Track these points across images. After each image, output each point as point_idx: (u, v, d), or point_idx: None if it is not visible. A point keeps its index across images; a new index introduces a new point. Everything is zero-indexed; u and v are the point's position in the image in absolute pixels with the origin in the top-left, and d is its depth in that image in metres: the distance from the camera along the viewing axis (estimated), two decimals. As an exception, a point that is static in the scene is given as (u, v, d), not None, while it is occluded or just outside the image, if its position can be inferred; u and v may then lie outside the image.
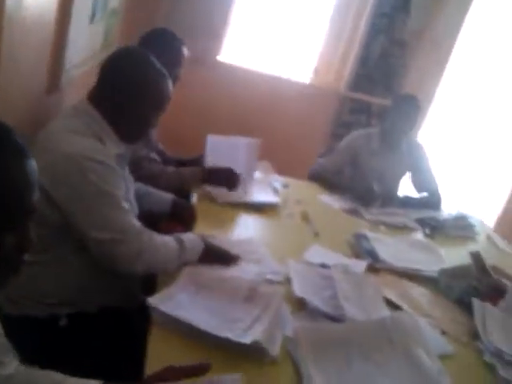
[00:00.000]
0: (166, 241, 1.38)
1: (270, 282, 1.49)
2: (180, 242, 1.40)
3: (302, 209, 2.10)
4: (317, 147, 3.68)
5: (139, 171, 1.69)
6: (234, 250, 1.56)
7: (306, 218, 2.03)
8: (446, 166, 3.61)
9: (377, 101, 3.70)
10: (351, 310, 1.41)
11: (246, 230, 1.86)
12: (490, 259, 1.82)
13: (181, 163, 2.24)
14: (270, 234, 1.88)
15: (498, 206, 4.11)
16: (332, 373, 1.16)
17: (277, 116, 3.70)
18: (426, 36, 3.50)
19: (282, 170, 2.49)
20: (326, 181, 2.52)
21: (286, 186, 2.30)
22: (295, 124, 3.75)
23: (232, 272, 1.48)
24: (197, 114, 3.56)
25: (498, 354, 1.41)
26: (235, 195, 1.96)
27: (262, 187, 2.16)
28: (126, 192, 1.36)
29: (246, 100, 3.61)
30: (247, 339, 1.12)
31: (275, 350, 1.18)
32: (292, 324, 1.29)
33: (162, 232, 1.45)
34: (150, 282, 1.41)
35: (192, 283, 1.34)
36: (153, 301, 1.23)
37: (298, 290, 1.46)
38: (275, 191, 2.20)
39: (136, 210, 1.46)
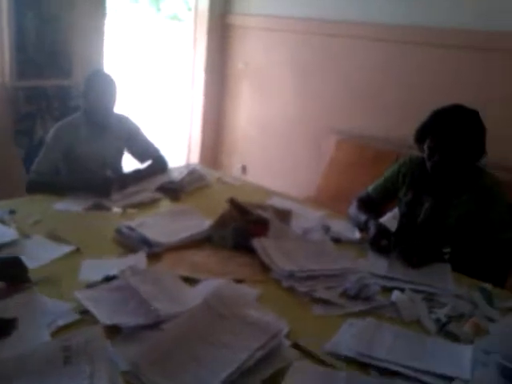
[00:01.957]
0: None
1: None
2: None
3: (44, 227, 1.85)
4: (8, 150, 3.23)
5: None
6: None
7: (56, 237, 1.79)
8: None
9: (51, 83, 3.42)
10: (165, 307, 1.37)
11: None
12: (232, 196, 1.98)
13: None
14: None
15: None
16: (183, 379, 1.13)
17: None
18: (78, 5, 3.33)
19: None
20: (48, 186, 2.26)
21: (12, 211, 1.96)
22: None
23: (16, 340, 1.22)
24: None
25: (291, 275, 1.62)
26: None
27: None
28: None
29: None
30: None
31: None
32: (124, 357, 1.18)
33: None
34: None
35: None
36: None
37: (105, 317, 1.32)
38: (4, 223, 1.86)
39: None
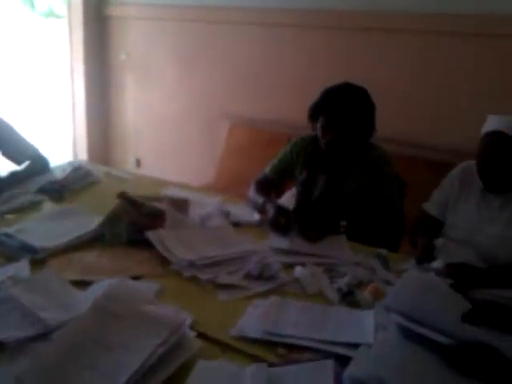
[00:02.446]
0: None
1: None
2: None
3: None
4: None
5: None
6: None
7: None
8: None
9: None
10: (53, 315, 1.24)
11: None
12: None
13: None
14: None
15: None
16: None
17: None
18: None
19: None
20: None
21: None
22: None
23: None
24: None
25: (192, 264, 1.55)
26: None
27: None
28: None
29: None
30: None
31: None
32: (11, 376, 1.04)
33: None
34: None
35: None
36: None
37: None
38: None
39: None
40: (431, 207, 1.87)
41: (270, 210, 1.90)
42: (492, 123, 1.66)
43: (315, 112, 1.95)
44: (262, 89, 3.38)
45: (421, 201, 1.93)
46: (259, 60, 3.36)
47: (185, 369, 1.10)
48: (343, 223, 1.83)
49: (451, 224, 1.78)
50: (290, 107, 3.16)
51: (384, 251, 1.69)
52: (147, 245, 1.66)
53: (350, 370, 1.09)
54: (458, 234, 1.73)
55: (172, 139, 3.88)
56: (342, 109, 1.86)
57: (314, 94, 1.96)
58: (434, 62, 2.83)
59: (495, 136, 1.63)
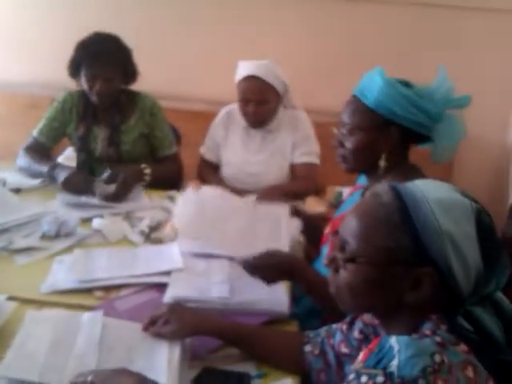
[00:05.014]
0: None
1: None
2: None
3: None
4: None
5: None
6: None
7: None
8: None
9: None
10: None
11: None
12: None
13: None
14: None
15: None
16: None
17: None
18: None
19: None
20: None
21: None
22: None
23: None
24: None
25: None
26: None
27: None
28: None
29: None
30: None
31: None
32: None
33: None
34: None
35: None
36: None
37: None
38: None
39: None
40: (205, 151, 2.08)
41: (61, 174, 1.79)
42: (244, 69, 1.91)
43: (76, 66, 1.91)
44: (15, 47, 3.04)
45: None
46: (10, 14, 2.99)
47: (5, 334, 1.06)
48: (147, 171, 1.88)
49: (225, 162, 2.02)
50: (51, 67, 2.93)
51: (174, 192, 1.83)
52: None
53: (171, 293, 1.21)
54: (232, 169, 1.98)
55: None
56: (101, 54, 1.86)
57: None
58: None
59: (248, 80, 1.89)
